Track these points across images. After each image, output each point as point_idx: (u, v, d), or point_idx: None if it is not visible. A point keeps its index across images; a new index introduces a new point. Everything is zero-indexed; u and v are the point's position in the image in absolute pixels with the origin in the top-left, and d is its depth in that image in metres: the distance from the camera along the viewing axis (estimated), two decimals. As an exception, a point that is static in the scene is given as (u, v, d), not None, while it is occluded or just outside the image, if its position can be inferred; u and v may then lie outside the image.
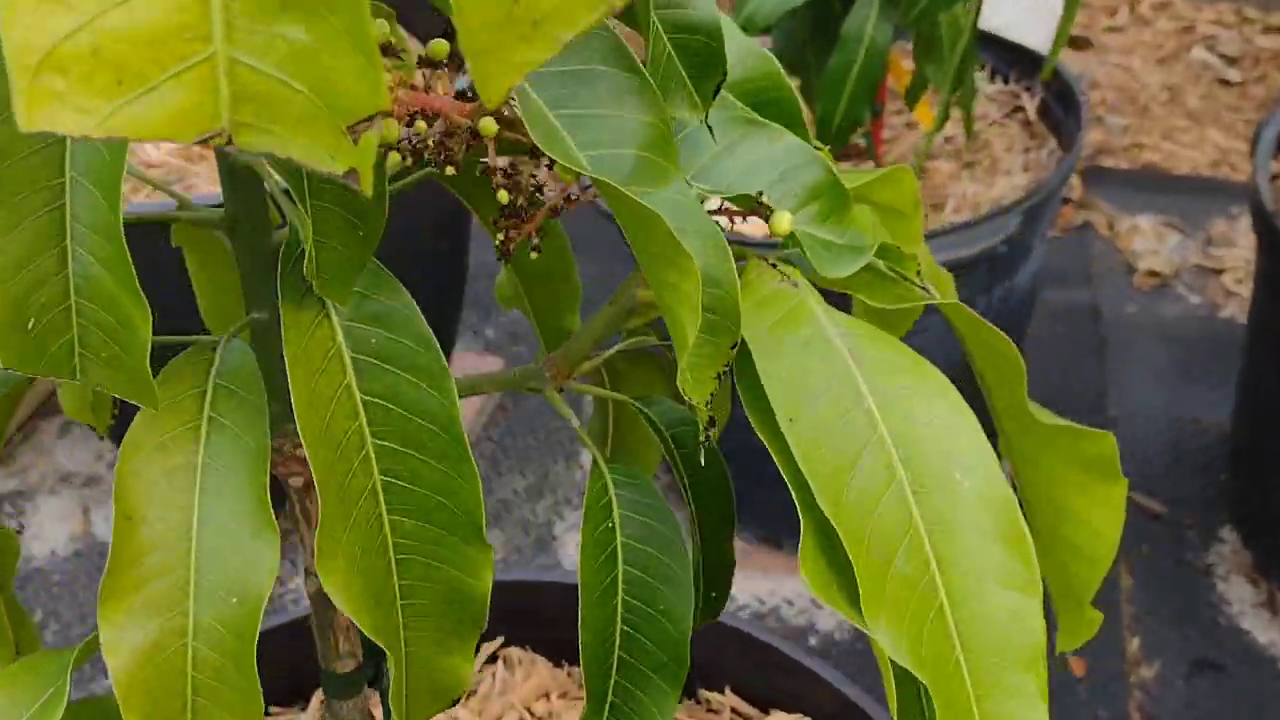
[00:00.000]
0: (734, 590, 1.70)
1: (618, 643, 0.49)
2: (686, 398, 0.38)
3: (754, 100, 0.50)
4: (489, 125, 0.32)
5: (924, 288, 0.49)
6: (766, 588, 1.67)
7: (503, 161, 0.35)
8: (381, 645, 0.43)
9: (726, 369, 0.40)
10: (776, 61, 0.49)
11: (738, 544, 0.54)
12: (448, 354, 1.67)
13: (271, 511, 0.40)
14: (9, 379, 0.48)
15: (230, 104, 0.22)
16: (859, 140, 1.50)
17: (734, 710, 1.01)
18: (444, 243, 1.63)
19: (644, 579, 0.49)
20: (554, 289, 0.62)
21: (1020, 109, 1.59)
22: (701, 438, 0.40)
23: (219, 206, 0.45)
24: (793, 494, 0.40)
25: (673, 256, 0.36)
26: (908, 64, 1.47)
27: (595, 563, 0.48)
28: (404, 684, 0.46)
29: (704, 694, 1.03)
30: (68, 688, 0.42)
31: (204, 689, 0.41)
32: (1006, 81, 1.64)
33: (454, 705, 0.47)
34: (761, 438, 0.40)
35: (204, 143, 0.22)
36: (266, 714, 1.05)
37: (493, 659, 1.07)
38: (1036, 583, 0.41)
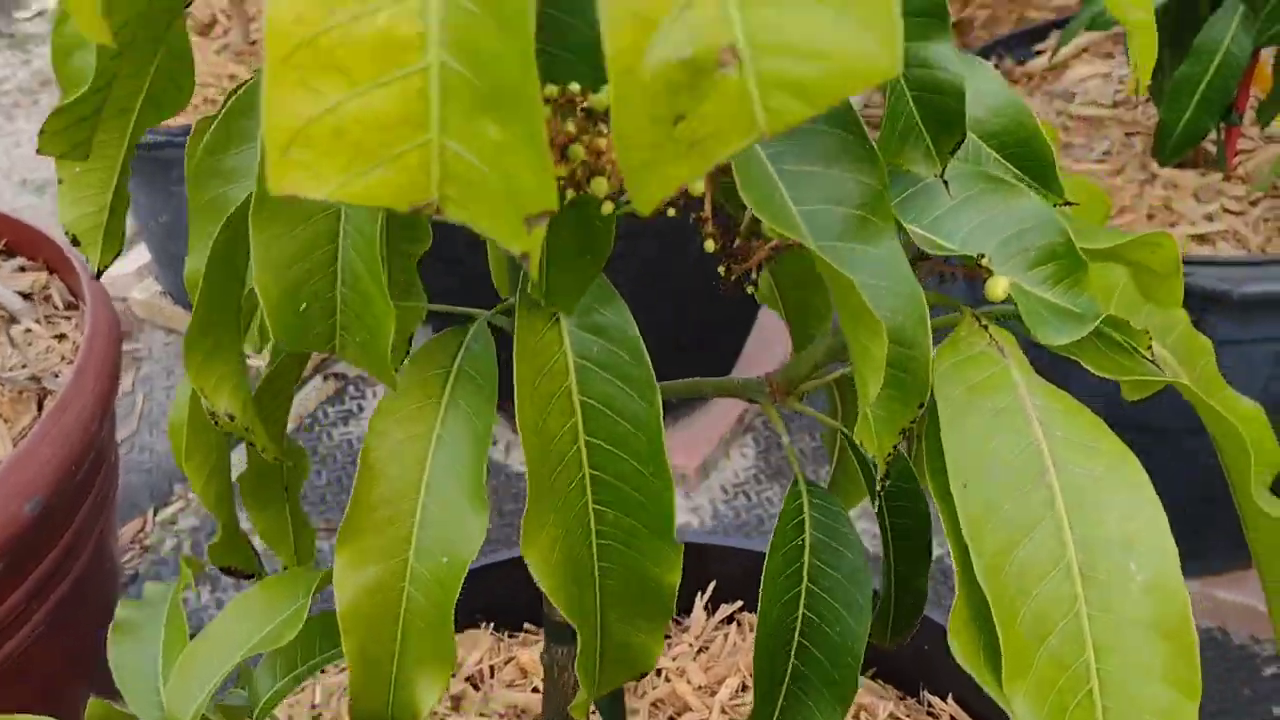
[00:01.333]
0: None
1: (793, 653, 0.52)
2: (864, 452, 0.41)
3: (1007, 151, 0.50)
4: (695, 184, 0.35)
5: (1153, 361, 0.49)
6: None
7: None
8: (573, 623, 0.48)
9: (912, 424, 0.42)
10: (1032, 114, 0.49)
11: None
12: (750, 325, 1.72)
13: (485, 489, 0.46)
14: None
15: (440, 181, 0.27)
16: (1210, 148, 1.42)
17: (952, 718, 1.01)
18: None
19: (827, 600, 0.51)
20: (807, 296, 0.65)
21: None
22: (878, 488, 0.42)
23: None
24: (952, 560, 0.41)
25: (864, 318, 0.38)
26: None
27: (780, 576, 0.51)
28: (597, 656, 0.50)
29: (927, 696, 1.03)
30: (309, 606, 0.50)
31: (412, 629, 0.47)
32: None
33: (643, 678, 0.51)
34: (933, 499, 0.42)
35: (415, 211, 0.27)
36: (520, 630, 1.14)
37: (729, 620, 1.12)
38: (1196, 686, 0.41)
